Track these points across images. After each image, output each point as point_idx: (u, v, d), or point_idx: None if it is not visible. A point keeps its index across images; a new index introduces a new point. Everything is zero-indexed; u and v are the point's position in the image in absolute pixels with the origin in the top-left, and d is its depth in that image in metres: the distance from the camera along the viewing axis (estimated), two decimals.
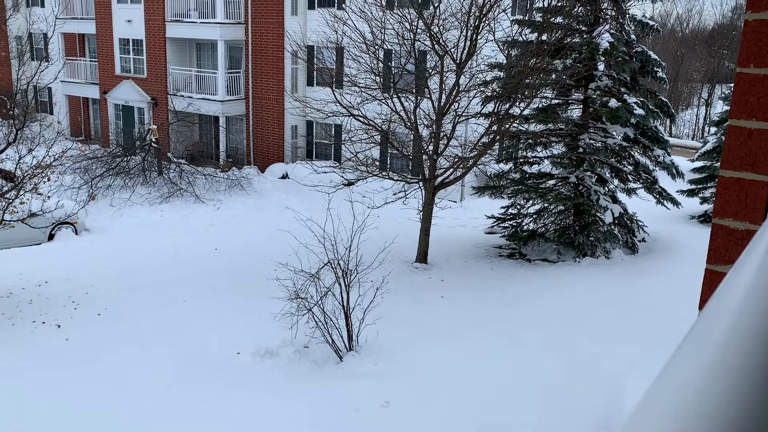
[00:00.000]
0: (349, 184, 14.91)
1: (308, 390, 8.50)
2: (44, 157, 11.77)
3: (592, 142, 14.96)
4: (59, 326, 10.78)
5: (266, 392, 8.49)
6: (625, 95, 14.79)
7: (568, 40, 14.46)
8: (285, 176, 23.77)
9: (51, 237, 16.67)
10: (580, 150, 14.91)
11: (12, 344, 10.03)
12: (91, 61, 29.61)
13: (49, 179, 12.04)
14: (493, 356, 9.46)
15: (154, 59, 26.33)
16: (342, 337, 9.44)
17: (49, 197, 12.71)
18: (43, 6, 30.57)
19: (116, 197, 20.18)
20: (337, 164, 19.08)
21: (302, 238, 10.50)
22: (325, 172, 15.26)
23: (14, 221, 11.67)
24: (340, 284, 9.41)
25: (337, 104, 14.12)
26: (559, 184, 15.43)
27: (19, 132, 11.53)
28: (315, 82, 23.91)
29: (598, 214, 14.87)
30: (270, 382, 8.81)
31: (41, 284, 12.89)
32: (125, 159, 22.08)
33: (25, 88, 12.78)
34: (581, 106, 15.32)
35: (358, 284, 9.59)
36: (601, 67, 14.72)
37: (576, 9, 14.68)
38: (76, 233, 17.19)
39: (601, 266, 14.42)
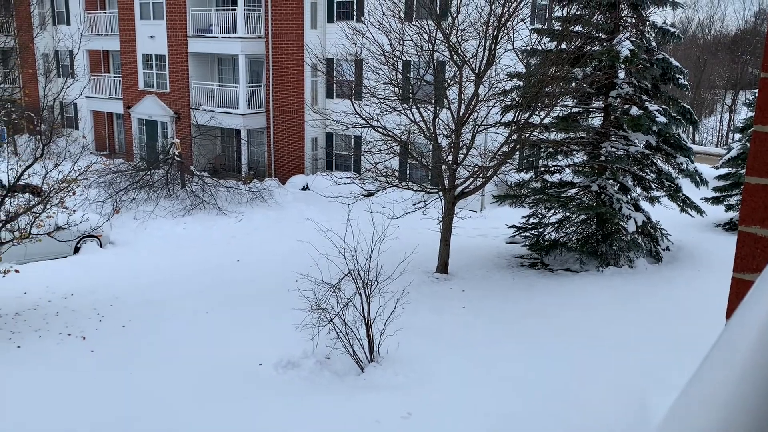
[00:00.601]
0: (369, 194, 14.94)
1: (330, 401, 8.49)
2: (70, 172, 11.97)
3: (613, 150, 14.82)
4: (84, 338, 10.92)
5: (288, 403, 8.50)
6: (646, 103, 14.65)
7: (588, 48, 14.38)
8: (305, 188, 23.90)
9: (77, 250, 16.91)
10: (602, 158, 14.78)
11: (39, 356, 10.18)
12: (115, 76, 30.13)
13: (74, 193, 12.23)
14: (515, 367, 9.38)
15: (176, 74, 26.72)
16: (363, 348, 9.43)
17: (74, 211, 12.92)
18: (69, 24, 31.22)
19: (140, 210, 20.43)
20: (357, 175, 19.14)
21: (323, 249, 10.54)
22: (345, 183, 15.32)
23: (41, 235, 11.87)
24: (360, 295, 9.41)
25: (357, 116, 14.18)
26: (581, 192, 15.29)
27: (45, 147, 11.74)
28: (334, 94, 24.06)
29: (621, 222, 14.70)
30: (292, 393, 8.83)
31: (67, 296, 13.07)
32: (149, 172, 22.36)
33: (51, 104, 13.02)
34: (602, 114, 15.20)
35: (378, 295, 9.58)
36: (621, 74, 14.60)
37: (595, 17, 14.61)
38: (101, 246, 17.43)
39: (624, 275, 14.24)
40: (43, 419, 8.11)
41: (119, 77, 29.50)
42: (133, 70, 28.29)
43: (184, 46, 26.03)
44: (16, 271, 12.04)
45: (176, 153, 22.84)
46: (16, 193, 12.01)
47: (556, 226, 15.70)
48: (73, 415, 8.18)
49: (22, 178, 11.59)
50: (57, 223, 12.34)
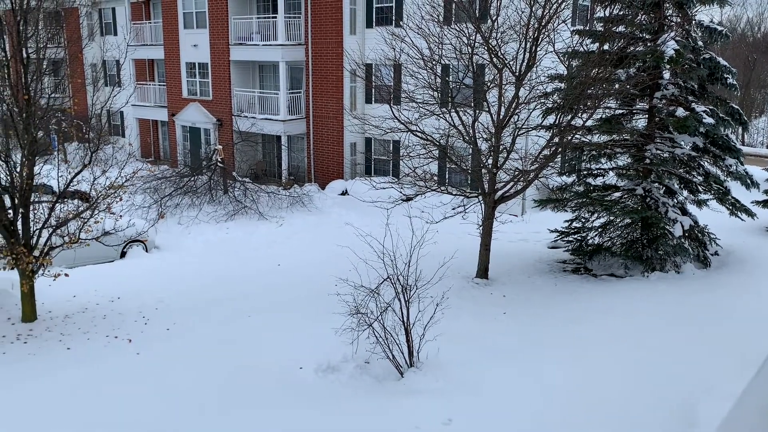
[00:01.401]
0: (408, 199, 14.92)
1: (370, 406, 8.48)
2: (117, 178, 12.29)
3: (659, 152, 14.47)
4: (130, 341, 11.18)
5: (328, 407, 8.53)
6: (693, 103, 14.26)
7: (632, 49, 14.08)
8: (344, 193, 24.04)
9: (123, 254, 17.36)
10: (647, 161, 14.44)
11: (87, 358, 10.46)
12: (159, 85, 30.90)
13: (121, 199, 12.54)
14: (557, 374, 9.21)
15: (219, 82, 27.24)
16: (402, 353, 9.40)
17: (121, 216, 13.24)
18: (116, 34, 32.17)
19: (184, 216, 20.85)
20: (396, 180, 19.15)
21: (362, 254, 10.56)
22: (384, 188, 15.34)
23: (89, 239, 12.21)
24: (399, 300, 9.38)
25: (395, 120, 14.19)
26: (626, 196, 14.97)
27: (93, 154, 12.07)
28: (373, 99, 24.15)
29: (667, 226, 14.33)
30: (332, 397, 8.85)
31: (114, 300, 13.42)
32: (192, 178, 22.82)
33: (99, 112, 13.39)
34: (647, 115, 14.86)
35: (417, 300, 9.54)
36: (666, 75, 14.25)
37: (639, 17, 14.30)
38: (147, 251, 17.85)
39: (671, 281, 13.86)
40: (85, 418, 8.32)
41: (164, 85, 30.23)
42: (177, 78, 28.95)
43: (226, 54, 26.51)
44: (66, 275, 12.41)
45: (219, 159, 23.26)
46: (65, 199, 12.39)
47: (599, 230, 15.42)
48: (116, 417, 8.37)
49: (71, 184, 11.95)
50: (104, 228, 12.67)
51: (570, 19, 14.98)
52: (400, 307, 9.34)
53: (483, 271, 14.45)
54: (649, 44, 14.05)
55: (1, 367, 10.07)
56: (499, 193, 14.21)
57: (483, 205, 14.40)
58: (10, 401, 8.86)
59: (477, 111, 14.02)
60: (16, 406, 8.70)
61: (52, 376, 9.66)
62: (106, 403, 8.74)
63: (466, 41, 13.39)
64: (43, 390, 9.19)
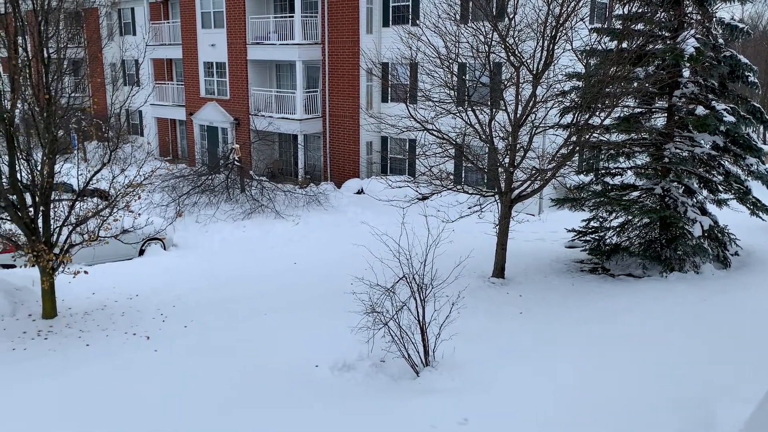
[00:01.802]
0: (424, 198, 14.90)
1: (385, 405, 8.49)
2: (135, 177, 12.41)
3: (678, 151, 14.31)
4: (148, 338, 11.29)
5: (344, 406, 8.55)
6: (713, 102, 14.07)
7: (651, 46, 13.93)
8: (360, 191, 24.06)
9: (141, 252, 17.53)
10: (666, 160, 14.29)
11: (106, 355, 10.58)
12: (178, 84, 31.14)
13: (139, 197, 12.66)
14: (573, 374, 9.15)
15: (236, 81, 27.39)
16: (418, 352, 9.39)
17: (139, 214, 13.37)
18: (134, 34, 32.48)
19: (201, 214, 21.00)
20: (412, 179, 19.12)
21: (377, 253, 10.55)
22: (400, 187, 15.33)
23: (108, 237, 12.35)
24: (415, 299, 9.37)
25: (411, 119, 14.17)
26: (644, 195, 14.83)
27: (112, 153, 12.21)
28: (389, 98, 24.16)
29: (686, 226, 14.18)
30: (348, 395, 8.87)
31: (132, 297, 13.55)
32: (210, 177, 22.98)
33: (118, 111, 13.53)
34: (666, 114, 14.70)
35: (433, 299, 9.52)
36: (686, 73, 14.08)
37: (658, 15, 14.15)
38: (165, 249, 18.00)
39: (690, 281, 13.71)
40: (105, 414, 8.41)
41: (182, 85, 30.47)
42: (195, 77, 29.15)
43: (244, 53, 26.65)
44: (86, 272, 12.55)
45: (236, 158, 23.40)
46: (85, 198, 12.54)
47: (617, 229, 15.29)
48: (134, 412, 8.45)
49: (91, 183, 12.09)
50: (123, 226, 12.80)
51: (588, 17, 14.86)
52: (416, 306, 9.34)
53: (499, 271, 14.39)
54: (668, 42, 13.89)
55: (23, 362, 10.22)
56: (516, 192, 14.14)
57: (499, 204, 14.34)
58: (31, 396, 8.99)
59: (494, 110, 13.96)
60: (37, 401, 8.83)
61: (71, 372, 9.79)
62: (125, 399, 8.83)
63: (483, 39, 13.33)
64: (63, 385, 9.31)
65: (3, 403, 8.74)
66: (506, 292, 13.54)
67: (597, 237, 15.53)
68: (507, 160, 13.90)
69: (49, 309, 12.08)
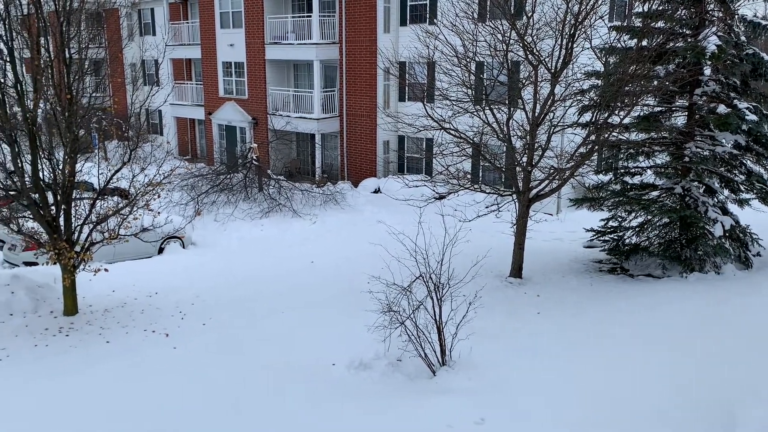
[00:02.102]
0: (441, 197, 14.86)
1: (401, 404, 8.49)
2: (155, 176, 12.54)
3: (699, 150, 14.13)
4: (167, 335, 11.40)
5: (360, 405, 8.56)
6: (735, 100, 13.88)
7: (671, 44, 13.77)
8: (377, 191, 24.09)
9: (161, 250, 17.71)
10: (686, 159, 14.12)
11: (126, 351, 10.71)
12: (197, 84, 31.39)
13: (159, 196, 12.80)
14: (592, 375, 9.09)
15: (254, 81, 27.55)
16: (435, 352, 9.38)
17: (159, 213, 13.50)
18: (154, 34, 32.79)
19: (220, 213, 21.16)
20: (429, 178, 19.09)
21: (394, 252, 10.56)
22: (417, 186, 15.31)
23: (128, 235, 12.50)
24: (432, 298, 9.36)
25: (429, 118, 14.14)
26: (664, 195, 14.67)
27: (132, 152, 12.35)
28: (406, 97, 24.14)
29: (707, 226, 14.00)
30: (364, 394, 8.89)
31: (152, 295, 13.70)
32: (228, 176, 23.14)
33: (138, 111, 13.68)
34: (686, 113, 14.52)
35: (450, 298, 9.50)
36: (707, 71, 13.89)
37: (679, 12, 13.98)
38: (184, 247, 18.17)
39: (710, 282, 13.54)
40: (129, 412, 8.51)
41: (201, 85, 30.71)
42: (214, 77, 29.37)
43: (262, 53, 26.79)
44: (106, 270, 12.70)
45: (254, 157, 23.54)
46: (105, 196, 12.70)
47: (636, 229, 15.14)
48: (154, 409, 8.54)
49: (111, 181, 12.24)
50: (143, 224, 12.94)
51: (607, 15, 14.73)
52: (433, 306, 9.33)
53: (517, 271, 14.33)
54: (689, 40, 13.72)
55: (45, 358, 10.38)
56: (534, 191, 14.07)
57: (517, 203, 14.27)
58: (53, 392, 9.12)
59: (512, 108, 13.89)
60: (59, 397, 8.96)
61: (92, 369, 9.92)
62: (144, 396, 8.93)
63: (501, 38, 13.27)
64: (84, 382, 9.44)
65: (26, 399, 8.89)
66: (524, 292, 13.47)
67: (616, 237, 15.39)
68: (525, 159, 13.82)
69: (71, 306, 12.25)
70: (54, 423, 8.26)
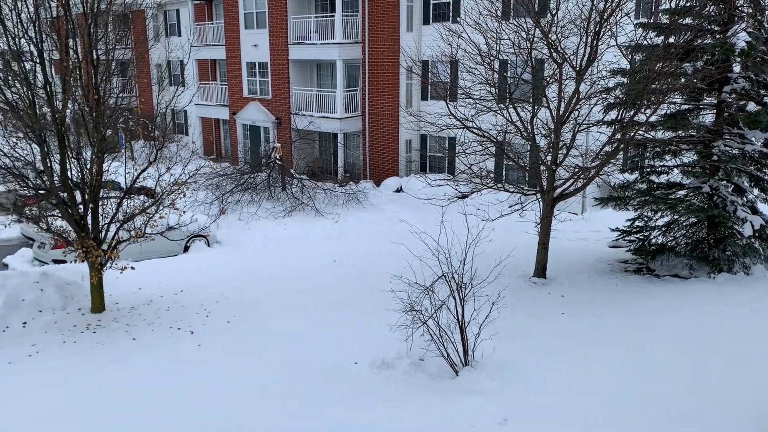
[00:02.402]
0: (463, 196, 14.80)
1: (424, 403, 8.48)
2: (180, 175, 12.69)
3: (727, 149, 13.87)
4: (192, 333, 11.53)
5: (382, 403, 8.57)
6: (765, 98, 13.59)
7: (699, 41, 13.54)
8: (399, 190, 24.07)
9: (186, 249, 17.90)
10: (714, 158, 13.88)
11: (152, 349, 10.85)
12: (221, 84, 31.68)
13: (184, 195, 12.94)
14: (616, 376, 8.98)
15: (278, 81, 27.72)
16: (457, 351, 9.35)
17: (184, 212, 13.65)
18: (179, 35, 33.16)
19: (244, 212, 21.33)
20: (451, 177, 19.03)
21: (416, 251, 10.55)
22: (439, 185, 15.25)
23: (154, 234, 12.66)
24: (454, 298, 9.33)
25: (451, 117, 14.09)
26: (691, 194, 14.44)
27: (159, 152, 12.50)
28: (429, 96, 24.08)
29: (736, 226, 13.74)
30: (386, 393, 8.90)
31: (177, 293, 13.86)
32: (252, 176, 23.33)
33: (164, 111, 13.85)
34: (714, 110, 14.27)
35: (473, 298, 9.47)
36: (736, 68, 13.63)
37: (707, 8, 13.74)
38: (209, 245, 18.35)
39: (739, 282, 13.29)
40: (155, 407, 8.62)
41: (225, 85, 30.98)
42: (238, 77, 29.61)
43: (285, 53, 26.94)
44: (132, 268, 12.88)
45: (277, 157, 23.69)
46: (132, 195, 12.87)
47: (663, 229, 14.92)
48: (179, 406, 8.64)
49: (137, 181, 12.41)
50: (169, 223, 13.09)
51: (633, 12, 14.53)
52: (455, 306, 9.30)
53: (541, 270, 14.22)
54: (718, 36, 13.48)
55: (74, 356, 10.57)
56: (558, 190, 13.94)
57: (541, 202, 14.16)
58: (81, 389, 9.28)
59: (535, 107, 13.78)
60: (87, 394, 9.10)
61: (119, 366, 10.07)
62: (170, 393, 9.04)
63: (524, 36, 13.17)
64: (112, 378, 9.59)
65: (55, 395, 9.05)
66: (548, 292, 13.36)
67: (642, 237, 15.19)
68: (549, 157, 13.70)
69: (98, 303, 12.45)
70: (83, 419, 8.40)
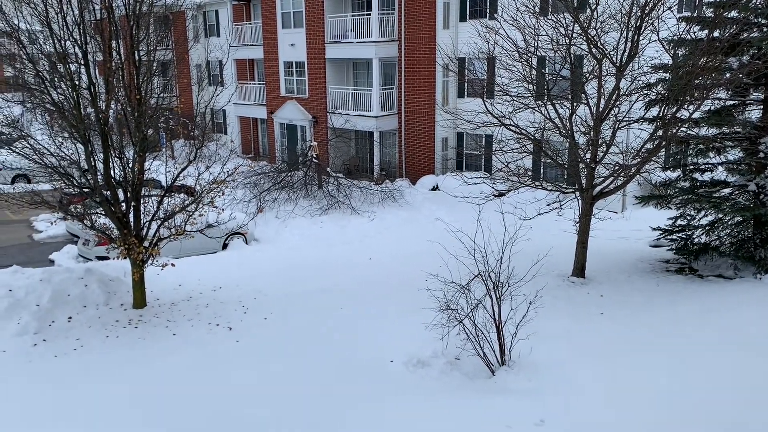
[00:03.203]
0: (500, 194, 14.67)
1: (460, 403, 8.44)
2: (219, 174, 12.89)
3: None
4: (231, 328, 11.70)
5: (418, 402, 8.55)
6: None
7: (745, 35, 13.13)
8: (435, 188, 24.00)
9: (225, 246, 18.19)
10: (761, 155, 13.45)
11: (191, 344, 11.05)
12: (259, 83, 32.06)
13: (223, 193, 13.13)
14: (657, 379, 8.78)
15: (314, 80, 27.91)
16: (494, 351, 9.28)
17: (223, 210, 13.87)
18: (218, 36, 33.67)
19: (281, 210, 21.56)
20: (488, 175, 18.88)
21: (452, 250, 10.49)
22: (475, 183, 15.14)
23: (194, 231, 12.89)
24: (491, 297, 9.25)
25: (488, 114, 13.98)
26: (736, 192, 14.02)
27: (198, 151, 12.72)
28: (465, 93, 23.94)
29: None
30: (422, 392, 8.88)
31: (216, 289, 14.08)
32: (289, 174, 23.56)
33: (203, 111, 14.08)
34: (761, 106, 13.83)
35: (509, 297, 9.37)
36: None
37: (754, 1, 13.31)
38: (247, 243, 18.60)
39: None
40: (196, 403, 8.78)
41: (263, 84, 31.34)
42: (276, 77, 29.91)
43: (322, 52, 27.11)
44: (173, 264, 13.16)
45: (314, 155, 23.86)
46: (172, 194, 13.13)
47: (706, 228, 14.53)
48: (219, 402, 8.78)
49: (178, 179, 12.64)
50: (208, 221, 13.32)
51: (676, 6, 14.17)
52: (492, 305, 9.22)
53: (579, 270, 14.00)
54: (765, 30, 13.05)
55: (117, 350, 10.84)
56: (598, 188, 13.71)
57: (580, 201, 13.94)
58: (124, 383, 9.51)
59: (574, 103, 13.57)
60: (129, 388, 9.33)
61: (160, 360, 10.29)
62: (209, 388, 9.19)
63: (563, 32, 12.98)
64: (154, 372, 9.80)
65: (98, 390, 9.29)
66: (586, 292, 13.15)
67: (684, 236, 14.82)
68: (588, 155, 13.48)
69: (139, 299, 12.74)
70: (124, 413, 8.60)
